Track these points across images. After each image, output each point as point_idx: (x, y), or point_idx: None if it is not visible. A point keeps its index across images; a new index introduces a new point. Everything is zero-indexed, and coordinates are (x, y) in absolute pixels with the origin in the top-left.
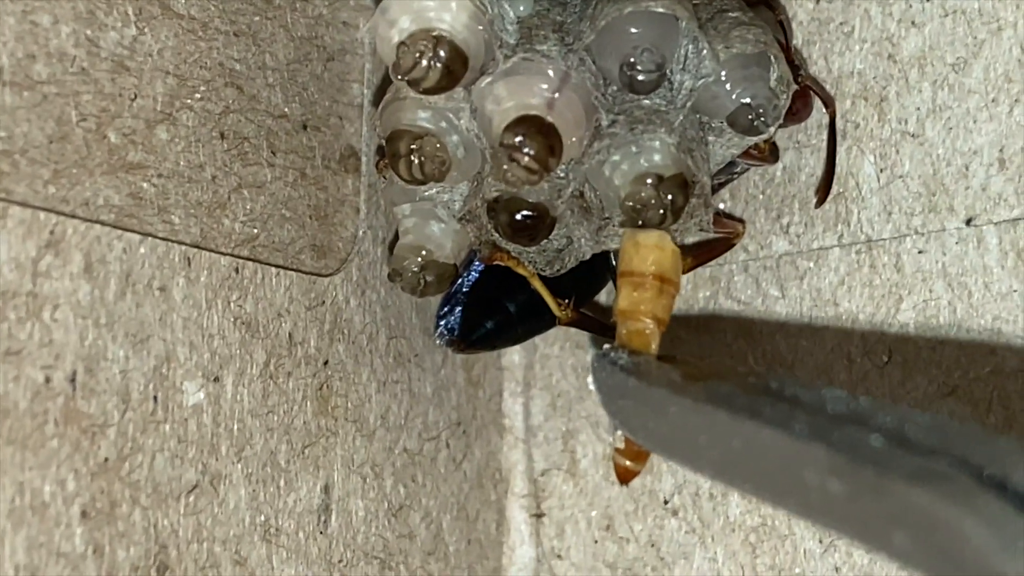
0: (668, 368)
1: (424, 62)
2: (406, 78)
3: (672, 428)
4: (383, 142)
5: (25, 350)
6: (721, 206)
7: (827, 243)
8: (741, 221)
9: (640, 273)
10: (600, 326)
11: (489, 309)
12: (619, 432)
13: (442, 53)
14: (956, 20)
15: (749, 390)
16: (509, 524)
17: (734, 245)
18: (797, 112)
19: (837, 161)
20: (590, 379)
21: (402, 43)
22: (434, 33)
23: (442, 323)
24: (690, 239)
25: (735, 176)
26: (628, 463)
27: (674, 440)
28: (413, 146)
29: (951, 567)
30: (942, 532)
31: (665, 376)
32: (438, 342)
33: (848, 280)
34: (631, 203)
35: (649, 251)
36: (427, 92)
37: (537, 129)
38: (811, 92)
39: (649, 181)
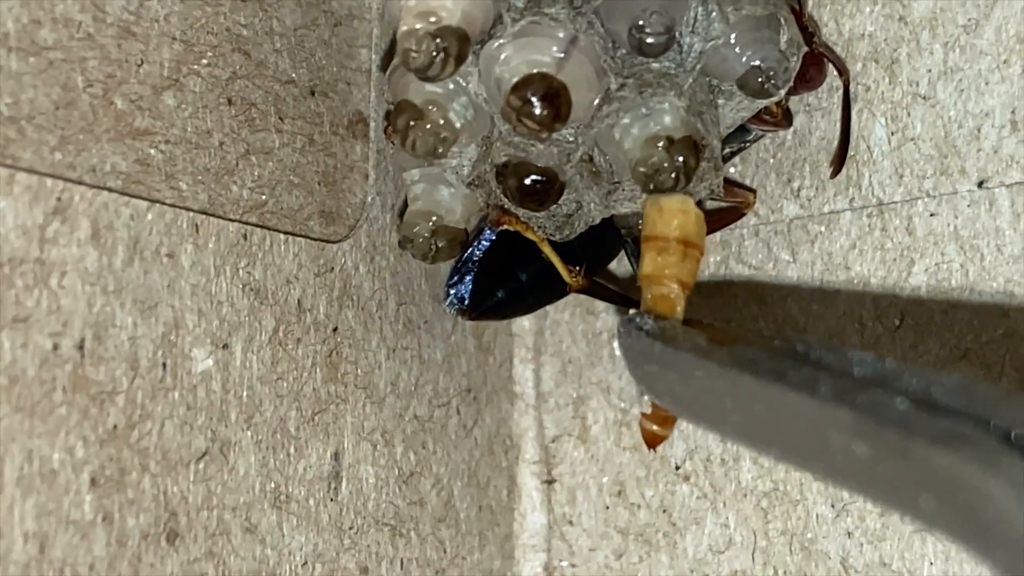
0: (694, 333)
1: (434, 59)
2: (420, 77)
3: (698, 392)
4: (391, 107)
5: (33, 317)
6: (732, 171)
7: (838, 207)
8: (752, 191)
9: (664, 237)
10: (611, 294)
11: (500, 278)
12: (645, 397)
13: (447, 45)
14: None
15: (774, 354)
16: (520, 490)
17: (744, 215)
18: (811, 79)
19: (852, 124)
20: (616, 344)
21: (407, 49)
22: (432, 20)
23: (452, 291)
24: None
25: (747, 144)
26: (655, 428)
27: (700, 404)
28: (412, 123)
29: (976, 528)
30: (967, 493)
31: (691, 341)
32: (448, 311)
33: (859, 244)
34: (643, 168)
35: (673, 215)
36: (437, 80)
37: (546, 87)
38: (825, 59)
39: (660, 144)
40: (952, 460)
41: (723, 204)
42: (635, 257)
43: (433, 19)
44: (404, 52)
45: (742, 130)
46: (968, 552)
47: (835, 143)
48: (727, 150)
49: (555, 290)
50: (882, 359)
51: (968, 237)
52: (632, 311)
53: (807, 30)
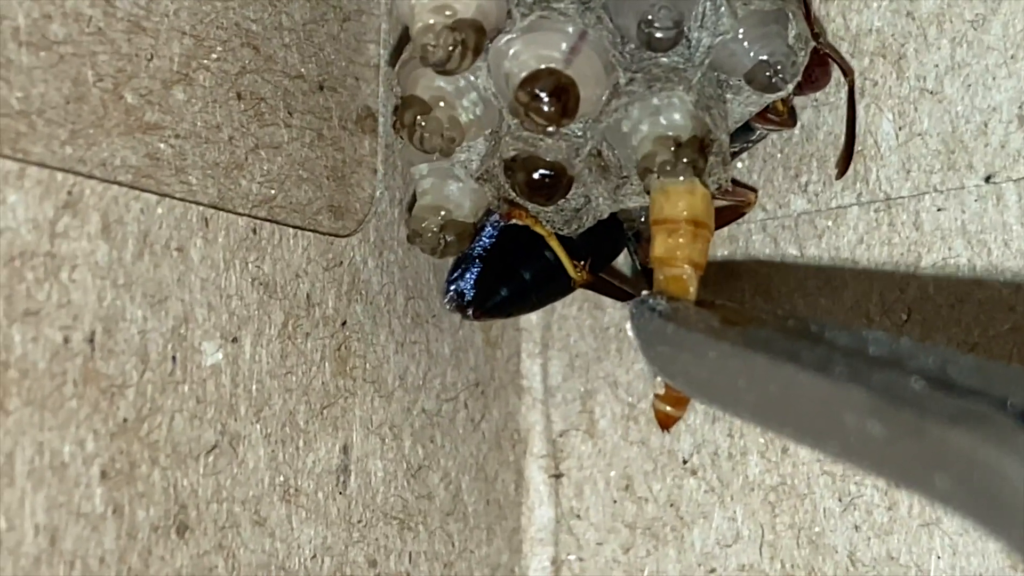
0: (706, 313)
1: (453, 52)
2: (438, 71)
3: (711, 373)
4: (400, 102)
5: (43, 311)
6: (739, 165)
7: (846, 201)
8: (754, 190)
9: (673, 220)
10: (616, 290)
11: (504, 276)
12: (658, 378)
13: (465, 38)
14: None
15: (788, 334)
16: (528, 485)
17: (745, 214)
18: (816, 80)
19: (857, 125)
20: (628, 326)
21: (425, 44)
22: (448, 13)
23: (452, 287)
24: None
25: (751, 143)
26: (668, 409)
27: (713, 385)
28: (419, 118)
29: (991, 507)
30: (982, 473)
31: (703, 321)
32: (448, 307)
33: (867, 238)
34: (647, 165)
35: (680, 196)
36: (454, 73)
37: (554, 82)
38: (830, 60)
39: (667, 145)
40: (968, 439)
41: (724, 202)
42: (637, 253)
43: (449, 12)
44: (422, 47)
45: (747, 129)
46: (983, 531)
47: (841, 141)
48: (732, 148)
49: (558, 288)
50: (897, 338)
51: (975, 232)
52: (644, 292)
53: (813, 32)
